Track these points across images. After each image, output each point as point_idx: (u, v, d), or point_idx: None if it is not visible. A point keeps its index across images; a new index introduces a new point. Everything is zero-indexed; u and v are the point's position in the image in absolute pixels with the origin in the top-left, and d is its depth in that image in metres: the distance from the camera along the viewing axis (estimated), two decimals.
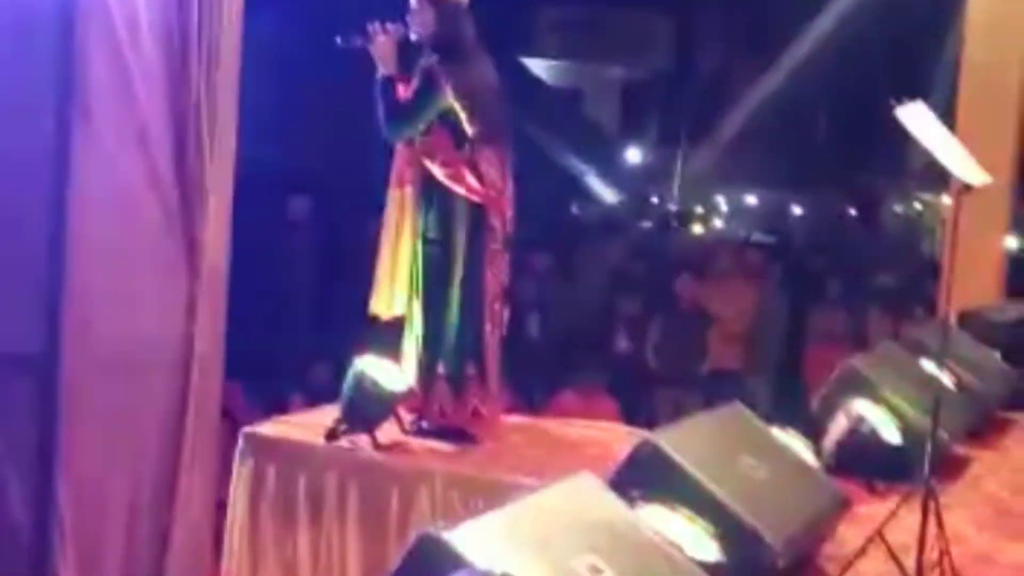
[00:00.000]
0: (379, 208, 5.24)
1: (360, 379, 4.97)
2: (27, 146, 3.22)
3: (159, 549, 3.72)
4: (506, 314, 5.14)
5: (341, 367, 6.43)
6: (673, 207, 16.24)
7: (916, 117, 3.64)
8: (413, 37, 5.04)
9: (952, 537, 4.13)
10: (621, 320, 8.88)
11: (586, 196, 14.43)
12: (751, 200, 18.31)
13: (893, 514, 3.99)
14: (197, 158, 3.38)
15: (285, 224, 8.63)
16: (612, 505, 3.26)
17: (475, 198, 4.97)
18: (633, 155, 17.48)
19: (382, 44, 4.99)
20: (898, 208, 18.43)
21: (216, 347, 3.82)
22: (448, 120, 4.94)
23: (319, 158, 8.54)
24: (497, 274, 5.05)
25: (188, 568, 3.87)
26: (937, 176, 4.13)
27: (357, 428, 4.94)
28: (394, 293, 5.06)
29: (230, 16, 3.55)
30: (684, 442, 3.73)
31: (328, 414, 5.14)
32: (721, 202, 17.69)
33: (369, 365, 4.99)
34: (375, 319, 5.25)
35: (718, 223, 17.13)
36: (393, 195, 5.08)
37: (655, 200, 15.55)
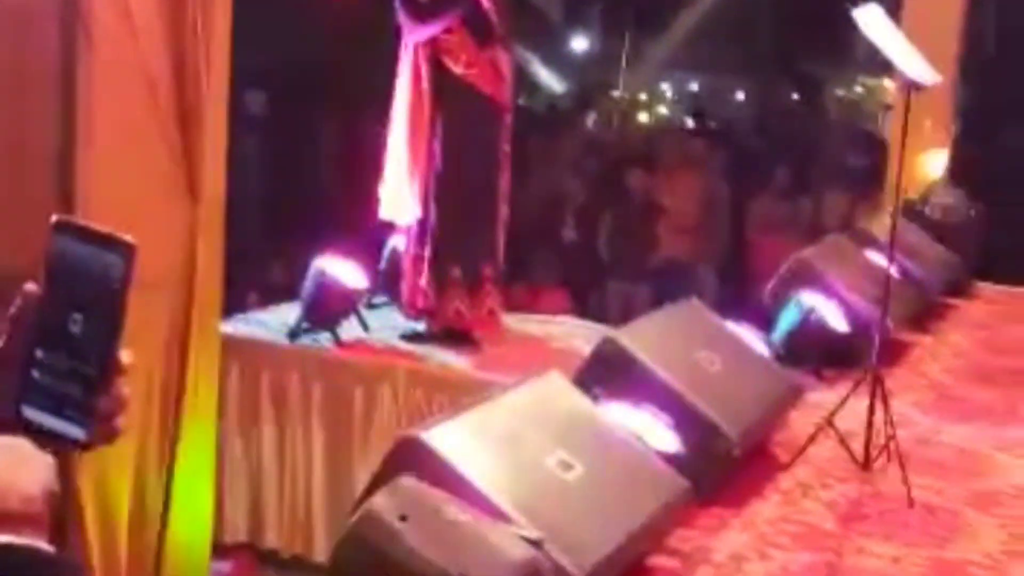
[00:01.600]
0: (337, 106, 5.24)
1: (320, 278, 5.02)
2: (33, 66, 3.22)
3: (166, 465, 3.81)
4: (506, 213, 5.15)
5: (296, 266, 6.48)
6: (618, 94, 16.21)
7: (871, 18, 3.70)
8: None
9: (898, 421, 4.31)
10: (570, 211, 8.95)
11: (532, 86, 14.37)
12: (695, 87, 18.31)
13: (843, 402, 4.15)
14: (195, 84, 3.40)
15: (239, 119, 8.55)
16: (578, 402, 3.38)
17: (499, 98, 4.95)
18: (578, 43, 17.36)
19: None
20: (840, 92, 18.52)
21: (216, 267, 3.88)
22: (472, 18, 4.87)
23: (276, 53, 8.42)
24: (507, 176, 5.07)
25: (192, 483, 3.98)
26: (880, 62, 4.18)
27: (319, 326, 5.02)
28: (411, 196, 4.99)
29: None
30: (643, 339, 3.85)
31: (288, 312, 5.21)
32: (666, 89, 17.67)
33: (329, 264, 5.05)
34: (334, 221, 5.29)
35: (663, 110, 17.14)
36: (406, 95, 4.96)
37: (601, 88, 15.50)
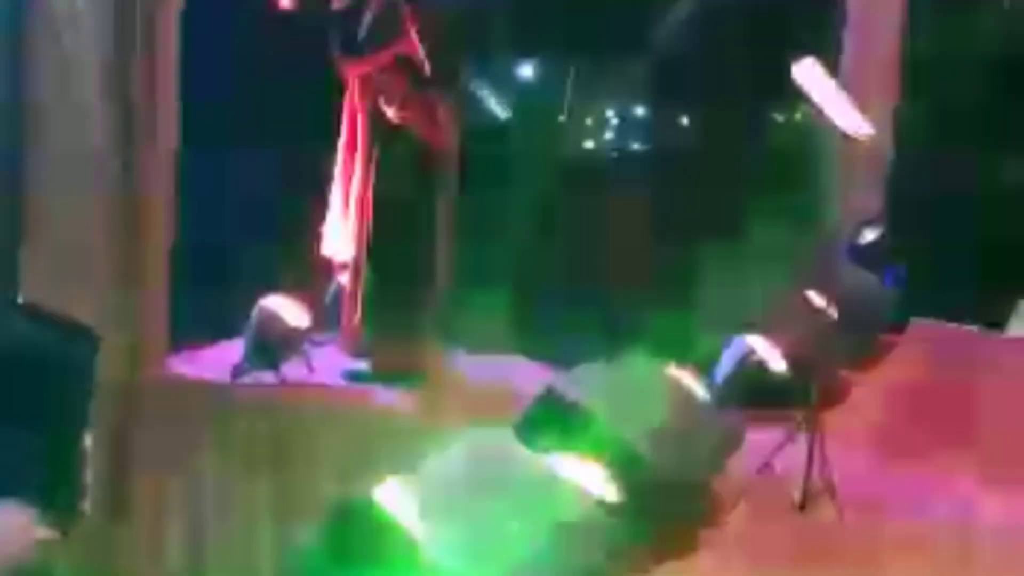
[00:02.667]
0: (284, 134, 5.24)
1: (263, 316, 5.02)
2: None
3: None
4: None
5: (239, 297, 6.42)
6: (562, 119, 16.30)
7: (808, 73, 3.78)
8: None
9: (835, 462, 4.39)
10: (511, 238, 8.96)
11: (476, 112, 14.43)
12: (640, 113, 18.49)
13: (781, 446, 4.22)
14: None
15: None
16: (520, 454, 3.40)
17: (434, 141, 4.97)
18: (523, 68, 17.47)
19: None
20: (780, 117, 18.72)
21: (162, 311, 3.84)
22: (407, 60, 4.91)
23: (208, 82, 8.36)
24: (442, 218, 5.09)
25: None
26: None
27: (262, 365, 5.01)
28: (347, 234, 5.04)
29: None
30: (584, 387, 3.88)
31: (232, 350, 5.19)
32: (611, 116, 17.82)
33: (272, 302, 5.05)
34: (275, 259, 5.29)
35: (608, 135, 17.27)
36: (344, 132, 5.03)
37: (544, 116, 15.57)
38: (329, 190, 5.16)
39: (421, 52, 4.90)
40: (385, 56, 4.93)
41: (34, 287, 3.40)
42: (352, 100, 5.04)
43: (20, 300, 1.51)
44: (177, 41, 3.95)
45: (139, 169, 3.55)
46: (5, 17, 3.23)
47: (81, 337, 0.95)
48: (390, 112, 4.94)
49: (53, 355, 0.98)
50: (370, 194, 5.01)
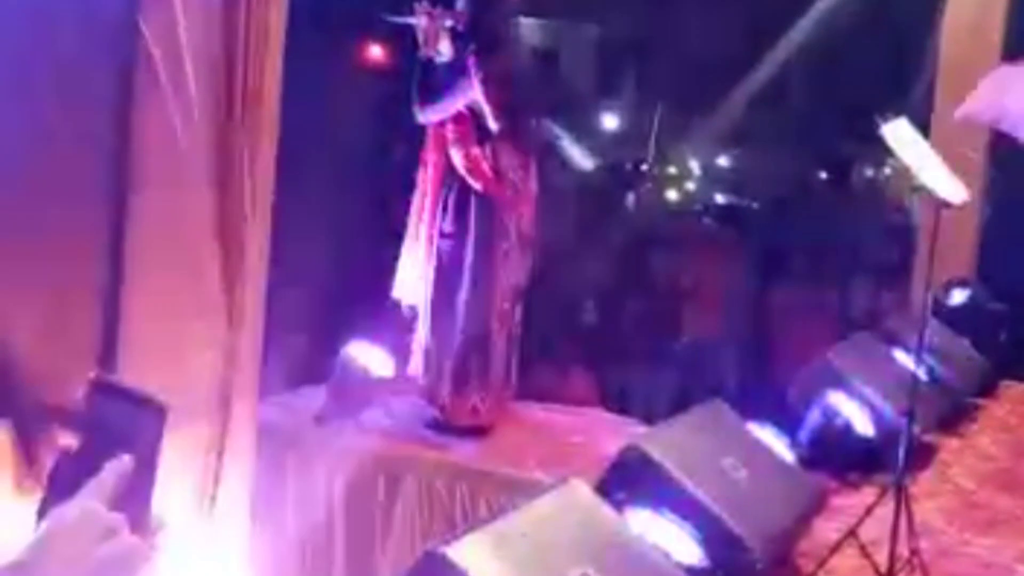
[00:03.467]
0: (364, 181, 5.33)
1: (348, 365, 5.07)
2: (81, 185, 3.32)
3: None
4: (518, 312, 5.18)
5: (323, 340, 6.48)
6: (645, 167, 16.30)
7: (899, 134, 3.74)
8: (449, 23, 5.02)
9: (922, 530, 4.29)
10: (593, 293, 9.00)
11: (560, 161, 14.47)
12: (723, 162, 18.39)
13: (867, 513, 4.14)
14: (240, 209, 3.50)
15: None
16: (601, 513, 3.38)
17: (489, 193, 5.01)
18: (608, 118, 17.50)
19: (427, 25, 4.97)
20: (869, 172, 18.57)
21: (252, 392, 3.93)
22: (475, 111, 4.97)
23: (296, 131, 8.54)
24: (509, 273, 5.08)
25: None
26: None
27: (344, 413, 5.05)
28: (414, 280, 5.11)
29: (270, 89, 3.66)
30: (668, 445, 3.85)
31: (316, 397, 5.24)
32: (694, 165, 17.76)
33: (357, 351, 5.09)
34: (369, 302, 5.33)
35: (691, 185, 17.21)
36: (419, 177, 5.13)
37: (629, 165, 15.58)
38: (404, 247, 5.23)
39: (485, 103, 4.94)
40: (452, 106, 4.98)
41: (132, 331, 3.48)
42: (427, 150, 5.11)
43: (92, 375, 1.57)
44: (278, 94, 4.04)
45: (233, 217, 3.62)
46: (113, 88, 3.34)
47: (149, 408, 0.98)
48: (456, 159, 4.98)
49: (122, 427, 1.02)
50: (435, 244, 5.06)
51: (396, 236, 5.31)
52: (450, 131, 5.02)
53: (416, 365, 5.13)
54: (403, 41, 5.34)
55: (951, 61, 7.04)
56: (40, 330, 3.25)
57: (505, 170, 5.00)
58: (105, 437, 1.18)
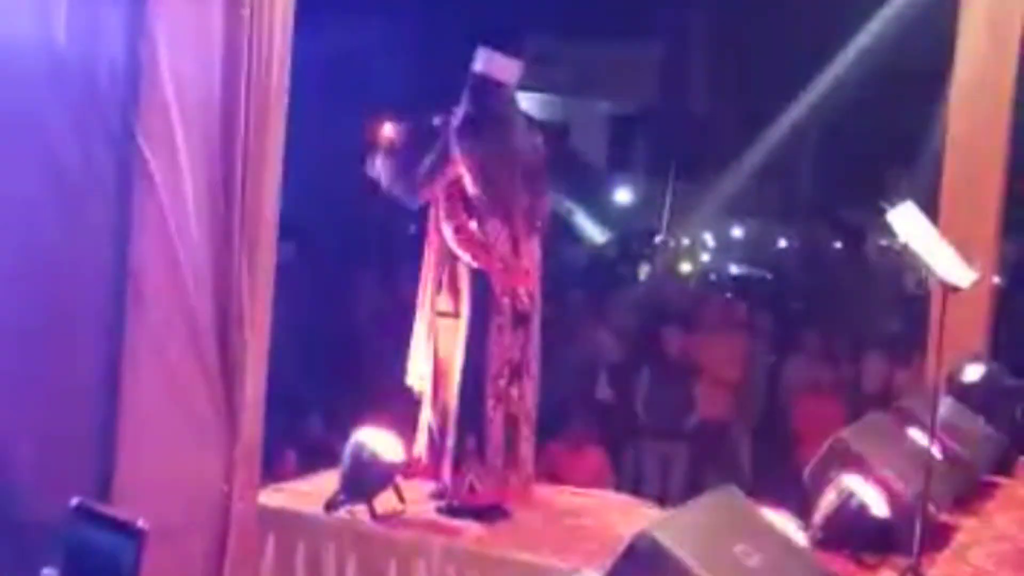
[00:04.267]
0: (367, 256, 5.38)
1: (359, 451, 5.04)
2: (80, 320, 3.36)
3: None
4: (515, 390, 5.15)
5: (335, 419, 6.47)
6: (659, 239, 16.34)
7: (905, 219, 3.74)
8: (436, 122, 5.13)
9: None
10: (605, 369, 8.97)
11: (573, 236, 14.55)
12: (737, 233, 18.45)
13: None
14: (239, 332, 3.53)
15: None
16: None
17: (480, 265, 5.03)
18: (621, 191, 17.60)
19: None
20: (883, 242, 18.57)
21: (251, 508, 3.93)
22: (463, 186, 5.01)
23: (305, 203, 8.62)
24: (503, 349, 5.07)
25: None
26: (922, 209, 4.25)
27: (356, 499, 5.01)
28: (420, 364, 5.14)
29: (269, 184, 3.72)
30: (679, 533, 3.80)
31: (326, 480, 5.22)
32: (708, 237, 17.82)
33: (368, 436, 5.06)
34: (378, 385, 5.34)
35: (704, 256, 17.25)
36: (425, 258, 5.19)
37: (641, 237, 15.65)
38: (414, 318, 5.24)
39: (469, 180, 4.96)
40: (438, 184, 5.04)
41: (132, 423, 3.49)
42: (429, 230, 5.19)
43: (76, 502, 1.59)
44: (278, 175, 4.08)
45: (232, 325, 3.66)
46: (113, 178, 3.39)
47: (128, 532, 0.99)
48: (447, 234, 5.03)
49: (102, 552, 1.03)
50: (435, 323, 5.09)
51: (406, 315, 5.33)
52: (442, 206, 5.06)
53: (421, 446, 5.13)
54: (414, 116, 5.39)
55: (959, 128, 7.04)
56: (40, 459, 3.26)
57: (494, 243, 5.00)
58: (85, 562, 1.20)
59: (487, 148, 5.02)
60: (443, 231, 5.07)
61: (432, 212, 5.18)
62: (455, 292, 5.08)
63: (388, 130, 5.19)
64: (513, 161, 5.09)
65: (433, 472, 5.13)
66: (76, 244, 3.30)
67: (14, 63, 3.54)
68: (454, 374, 5.06)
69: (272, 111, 3.67)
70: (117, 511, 1.17)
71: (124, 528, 1.12)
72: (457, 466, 5.06)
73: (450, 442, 5.06)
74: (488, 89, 5.07)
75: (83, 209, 3.34)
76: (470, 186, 4.99)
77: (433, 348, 5.11)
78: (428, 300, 5.17)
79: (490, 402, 5.05)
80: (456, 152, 4.98)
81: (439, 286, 5.11)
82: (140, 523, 1.16)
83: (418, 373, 5.18)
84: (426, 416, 5.15)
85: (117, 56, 3.47)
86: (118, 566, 1.16)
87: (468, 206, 5.03)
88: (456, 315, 5.06)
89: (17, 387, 3.15)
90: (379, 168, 5.16)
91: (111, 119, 3.39)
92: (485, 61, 5.08)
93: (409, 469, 5.28)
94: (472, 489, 5.05)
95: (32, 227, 3.26)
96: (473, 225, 5.02)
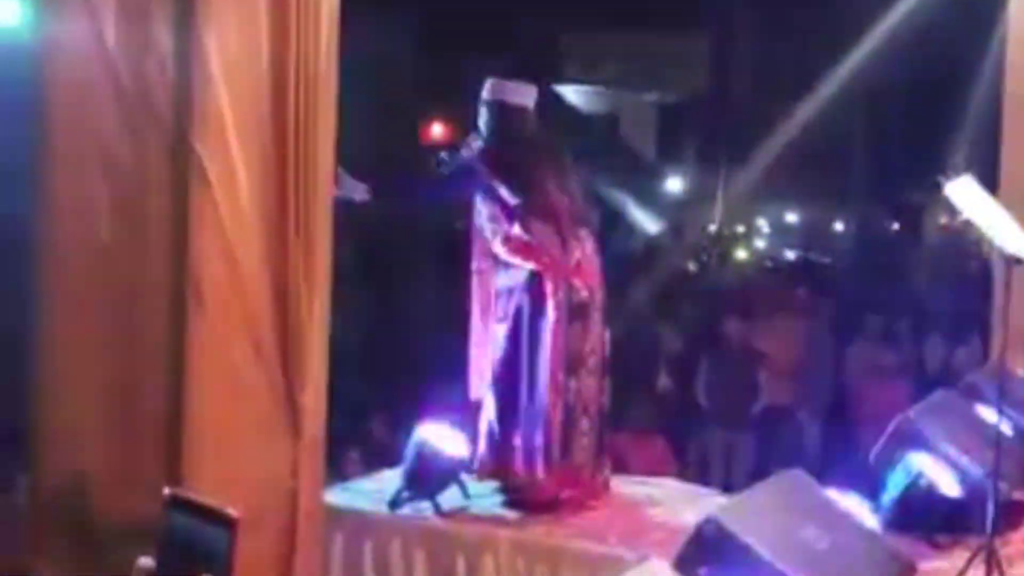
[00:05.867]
0: (427, 258, 5.40)
1: (421, 447, 5.05)
2: (144, 332, 3.41)
3: None
4: (573, 383, 5.15)
5: (397, 421, 6.49)
6: (714, 229, 16.24)
7: (964, 192, 3.68)
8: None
9: None
10: (665, 358, 8.93)
11: (626, 227, 14.49)
12: (792, 218, 18.29)
13: None
14: (299, 330, 3.55)
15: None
16: None
17: (530, 266, 5.06)
18: (672, 181, 17.52)
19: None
20: (942, 219, 18.32)
21: (317, 504, 3.96)
22: (499, 199, 5.08)
23: (362, 208, 8.66)
24: (561, 343, 5.09)
25: None
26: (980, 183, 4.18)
27: (420, 496, 5.03)
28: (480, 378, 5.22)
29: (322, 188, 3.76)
30: (747, 517, 3.78)
31: (389, 479, 5.24)
32: (763, 223, 17.68)
33: (430, 433, 5.08)
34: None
35: (760, 244, 17.12)
36: (474, 286, 5.28)
37: (697, 228, 15.56)
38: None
39: (505, 192, 5.05)
40: (468, 193, 5.15)
41: (196, 422, 3.52)
42: (476, 253, 5.27)
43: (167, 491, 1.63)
44: (330, 171, 4.11)
45: (296, 303, 3.68)
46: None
47: (221, 521, 1.01)
48: (498, 251, 5.10)
49: (196, 541, 1.05)
50: (494, 333, 5.14)
51: (465, 311, 5.36)
52: (487, 232, 5.13)
53: (484, 445, 5.14)
54: (467, 118, 5.45)
55: (1016, 100, 6.91)
56: (108, 458, 3.30)
57: (540, 242, 5.05)
58: (181, 552, 1.22)
59: (516, 159, 5.13)
60: (495, 250, 5.12)
61: (478, 246, 5.24)
62: (509, 296, 5.11)
63: (438, 131, 5.29)
64: (544, 168, 5.18)
65: (496, 470, 5.13)
66: (135, 246, 3.34)
67: (66, 66, 3.59)
68: (515, 375, 5.07)
69: (321, 105, 3.68)
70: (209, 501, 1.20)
71: (218, 517, 1.15)
72: (522, 462, 5.06)
73: (517, 440, 5.06)
74: (510, 114, 5.18)
75: (140, 211, 3.39)
76: (508, 196, 5.05)
77: (494, 354, 5.14)
78: (479, 312, 5.24)
79: (551, 397, 5.05)
80: (481, 166, 5.08)
81: (492, 298, 5.16)
82: (233, 512, 1.19)
83: (478, 385, 5.24)
84: (488, 415, 5.16)
85: (166, 55, 3.51)
86: (213, 555, 1.18)
87: (509, 217, 5.09)
88: (512, 317, 5.09)
89: (84, 388, 3.20)
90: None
91: (163, 120, 3.43)
92: (502, 90, 5.20)
93: (472, 468, 5.29)
94: (537, 483, 5.05)
95: (91, 230, 3.30)
96: (517, 230, 5.06)
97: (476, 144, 5.18)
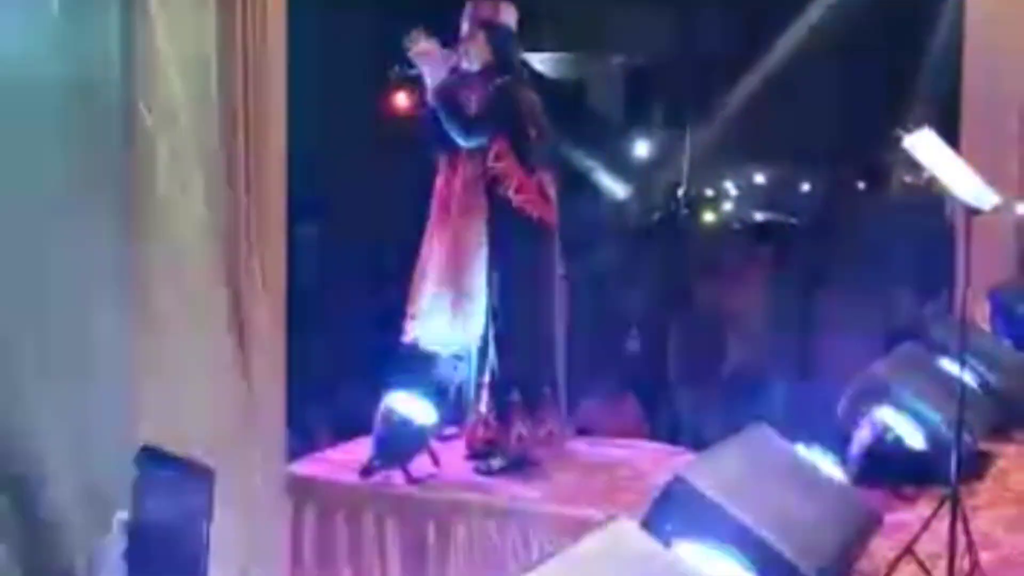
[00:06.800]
0: (394, 230, 5.31)
1: (390, 415, 5.06)
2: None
3: None
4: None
5: (364, 389, 6.47)
6: (681, 192, 16.21)
7: (923, 143, 3.70)
8: (465, 65, 5.05)
9: (981, 540, 4.22)
10: (633, 322, 8.97)
11: (594, 192, 14.46)
12: (759, 179, 18.28)
13: (924, 528, 4.07)
14: (251, 294, 3.54)
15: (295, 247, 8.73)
16: (649, 549, 3.34)
17: (547, 220, 5.01)
18: (640, 145, 17.47)
19: (427, 53, 4.99)
20: (907, 178, 18.35)
21: (277, 476, 3.94)
22: (516, 143, 4.96)
23: (326, 182, 8.61)
24: (563, 298, 5.09)
25: None
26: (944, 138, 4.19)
27: (390, 463, 5.03)
28: (468, 324, 5.08)
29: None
30: (713, 474, 3.80)
31: (358, 449, 5.24)
32: (729, 185, 17.67)
33: (398, 401, 5.08)
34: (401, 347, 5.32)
35: (728, 206, 17.12)
36: (459, 225, 5.05)
37: (664, 190, 15.53)
38: (415, 281, 5.18)
39: (532, 132, 4.94)
40: (500, 139, 4.96)
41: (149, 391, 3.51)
42: (464, 187, 5.06)
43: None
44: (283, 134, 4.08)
45: (248, 265, 3.66)
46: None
47: (198, 474, 1.00)
48: (510, 196, 4.96)
49: (173, 492, 1.04)
50: (494, 282, 5.01)
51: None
52: (494, 169, 4.96)
53: (472, 406, 5.11)
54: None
55: (975, 53, 6.94)
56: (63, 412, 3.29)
57: (551, 195, 5.02)
58: (158, 505, 1.22)
59: (530, 100, 5.03)
60: (500, 194, 4.95)
61: (463, 178, 5.07)
62: (518, 247, 4.98)
63: (423, 44, 5.07)
64: (534, 104, 5.10)
65: (496, 431, 5.09)
66: (81, 213, 3.31)
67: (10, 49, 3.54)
68: (524, 329, 5.02)
69: (272, 71, 3.65)
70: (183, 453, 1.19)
71: (192, 469, 1.14)
72: (535, 416, 5.05)
73: (518, 396, 5.02)
74: (509, 36, 5.07)
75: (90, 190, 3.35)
76: (534, 137, 4.95)
77: (498, 305, 5.01)
78: (469, 263, 5.06)
79: (554, 348, 5.07)
80: (519, 103, 4.96)
81: (497, 243, 5.01)
82: (209, 464, 1.18)
83: (444, 334, 5.14)
84: (486, 376, 5.09)
85: (111, 31, 3.47)
86: (190, 506, 1.18)
87: (524, 160, 4.96)
88: (522, 270, 5.00)
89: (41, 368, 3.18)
90: (432, 97, 5.02)
91: (111, 95, 3.38)
92: (502, 10, 5.06)
93: (442, 432, 5.29)
94: (550, 436, 5.05)
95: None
96: (533, 180, 4.96)
97: (499, 80, 4.98)
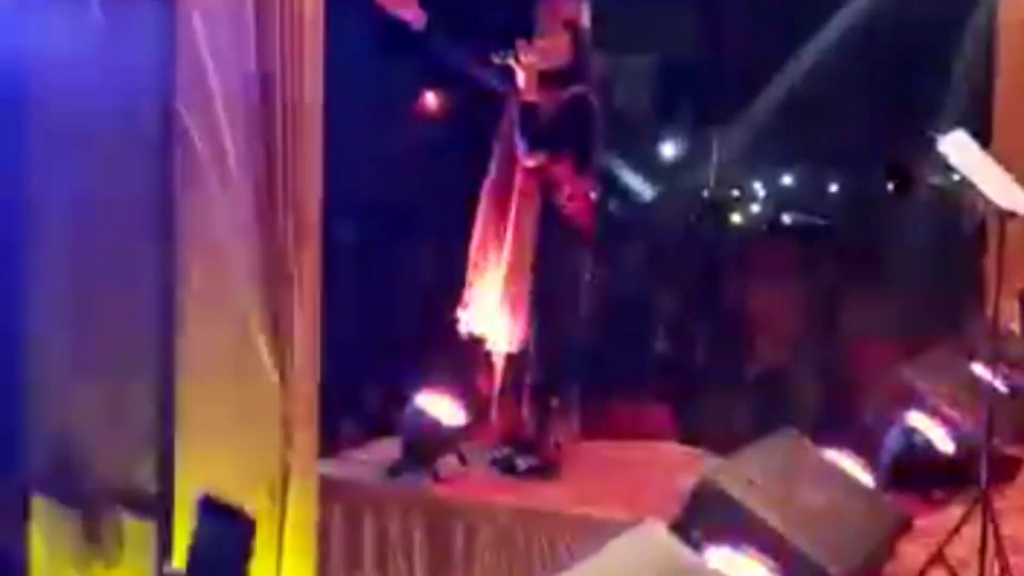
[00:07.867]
0: (426, 232, 5.29)
1: (418, 416, 5.06)
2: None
3: None
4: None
5: (392, 394, 6.49)
6: (708, 193, 16.16)
7: (956, 147, 3.67)
8: (543, 66, 4.85)
9: (1011, 546, 4.18)
10: (662, 322, 8.93)
11: (621, 192, 14.41)
12: (787, 180, 18.20)
13: (954, 531, 4.04)
14: (288, 300, 3.54)
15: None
16: (678, 553, 3.33)
17: (588, 228, 4.97)
18: (667, 146, 17.42)
19: (529, 65, 4.81)
20: (935, 180, 18.21)
21: (312, 477, 3.96)
22: (575, 150, 4.87)
23: (362, 181, 8.62)
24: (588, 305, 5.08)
25: None
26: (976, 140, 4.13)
27: (417, 464, 5.04)
28: (512, 325, 5.03)
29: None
30: (742, 478, 3.79)
31: (386, 449, 5.25)
32: (758, 186, 17.59)
33: (426, 401, 5.09)
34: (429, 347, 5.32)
35: (756, 208, 17.04)
36: (515, 225, 4.99)
37: (691, 191, 15.48)
38: (468, 282, 5.16)
39: (597, 142, 4.92)
40: (568, 150, 4.86)
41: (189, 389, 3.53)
42: (520, 189, 4.97)
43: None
44: (320, 141, 4.09)
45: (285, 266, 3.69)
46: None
47: (242, 521, 1.02)
48: (563, 203, 4.91)
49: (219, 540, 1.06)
50: (528, 286, 4.98)
51: (455, 281, 5.26)
52: (551, 172, 4.86)
53: (504, 409, 5.12)
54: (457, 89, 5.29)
55: (1010, 56, 6.88)
56: (101, 418, 3.31)
57: (595, 200, 4.98)
58: (207, 554, 1.24)
59: (596, 105, 4.94)
60: (552, 199, 4.89)
61: (521, 177, 4.95)
62: (560, 252, 4.94)
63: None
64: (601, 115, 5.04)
65: (511, 430, 5.08)
66: (120, 212, 3.33)
67: (55, 50, 3.57)
68: (561, 332, 5.00)
69: (308, 78, 3.66)
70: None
71: (238, 517, 1.16)
72: (545, 424, 5.03)
73: (555, 402, 5.01)
74: (587, 39, 4.96)
75: (126, 177, 3.37)
76: (596, 151, 4.92)
77: (536, 308, 4.97)
78: (525, 259, 4.98)
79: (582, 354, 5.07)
80: (597, 117, 4.88)
81: (526, 250, 4.96)
82: (251, 514, 1.20)
83: (496, 330, 5.07)
84: (510, 376, 5.08)
85: (151, 32, 3.49)
86: (235, 550, 1.19)
87: (582, 166, 4.88)
88: (559, 274, 4.95)
89: (78, 368, 3.20)
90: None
91: (152, 96, 3.41)
92: (583, 11, 4.95)
93: (471, 434, 5.29)
94: (558, 446, 5.04)
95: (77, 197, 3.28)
96: (583, 190, 4.90)
97: (577, 89, 4.82)
